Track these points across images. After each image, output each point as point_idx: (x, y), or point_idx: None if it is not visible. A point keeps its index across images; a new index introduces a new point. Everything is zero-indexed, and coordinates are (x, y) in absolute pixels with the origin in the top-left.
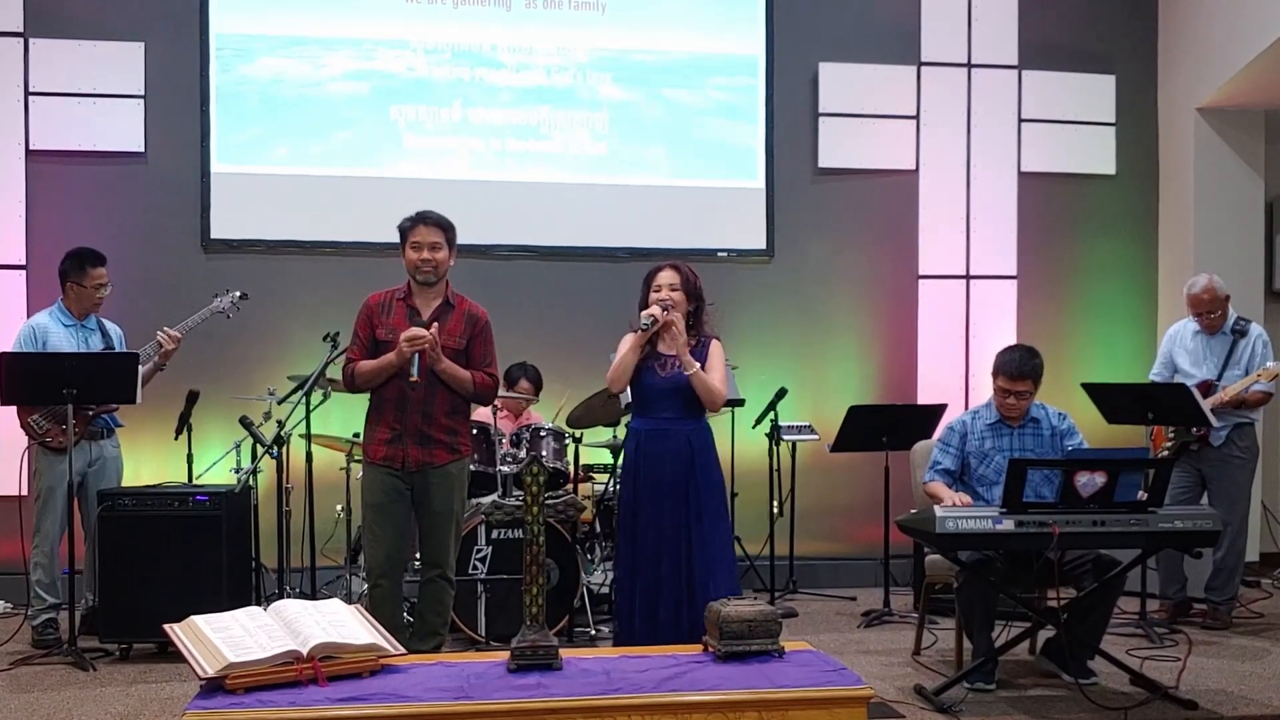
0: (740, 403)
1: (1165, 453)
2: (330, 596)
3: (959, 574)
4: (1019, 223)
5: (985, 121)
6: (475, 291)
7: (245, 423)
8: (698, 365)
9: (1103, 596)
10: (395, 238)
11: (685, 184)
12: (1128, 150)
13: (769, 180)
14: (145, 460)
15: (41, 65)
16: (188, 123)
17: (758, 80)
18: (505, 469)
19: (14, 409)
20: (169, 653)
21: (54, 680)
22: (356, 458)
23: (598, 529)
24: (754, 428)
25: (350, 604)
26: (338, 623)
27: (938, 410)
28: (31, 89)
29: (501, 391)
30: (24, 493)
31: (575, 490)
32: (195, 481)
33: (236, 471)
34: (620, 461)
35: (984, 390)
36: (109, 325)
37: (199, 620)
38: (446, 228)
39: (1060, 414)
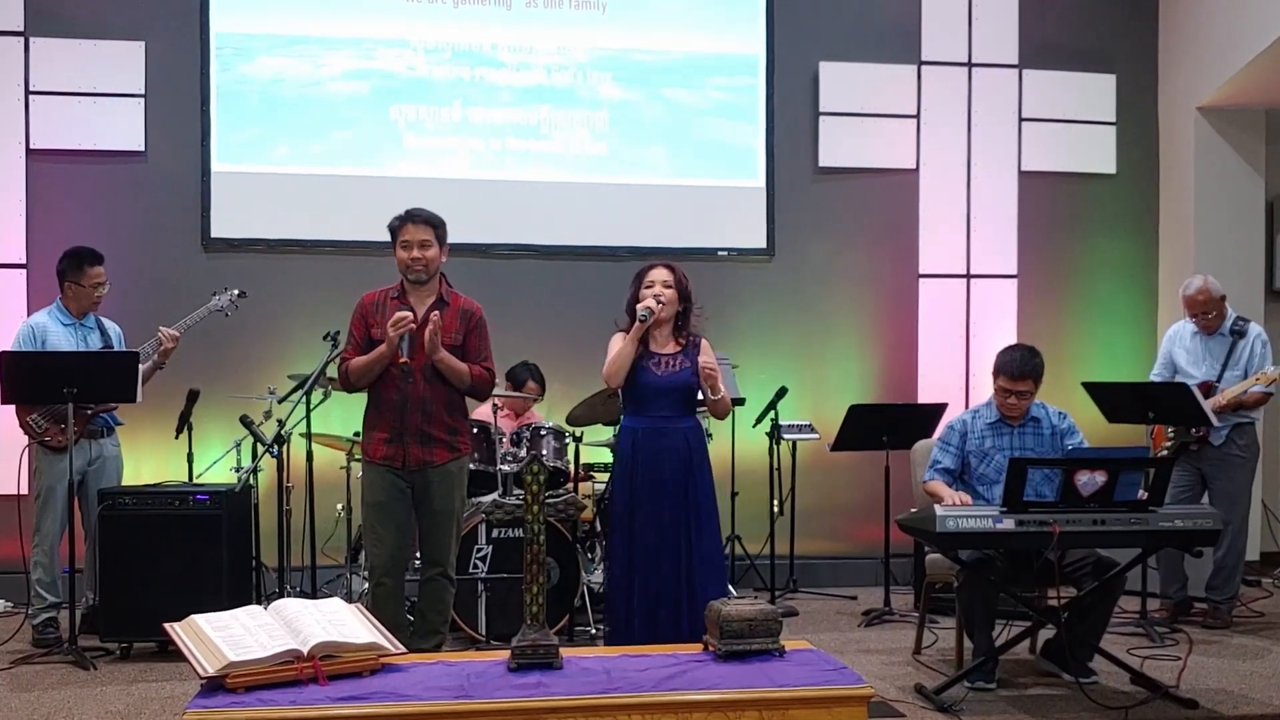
0: (740, 402)
1: (1165, 452)
2: (330, 595)
3: (959, 573)
4: (1019, 222)
5: (986, 121)
6: (475, 291)
7: (246, 422)
8: (725, 390)
9: (1103, 596)
10: None
11: (685, 183)
12: (1128, 149)
13: (769, 180)
14: (145, 459)
15: (42, 64)
16: (188, 122)
17: (758, 80)
18: (506, 468)
19: (13, 408)
20: (169, 652)
21: (54, 679)
22: (357, 457)
23: (598, 528)
24: (754, 427)
25: (350, 603)
26: (338, 622)
27: (938, 409)
28: (32, 88)
29: (509, 392)
30: (24, 492)
31: (575, 489)
32: (196, 480)
33: (237, 470)
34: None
35: (984, 389)
36: (108, 324)
37: (199, 619)
38: (436, 224)
39: (1060, 413)
